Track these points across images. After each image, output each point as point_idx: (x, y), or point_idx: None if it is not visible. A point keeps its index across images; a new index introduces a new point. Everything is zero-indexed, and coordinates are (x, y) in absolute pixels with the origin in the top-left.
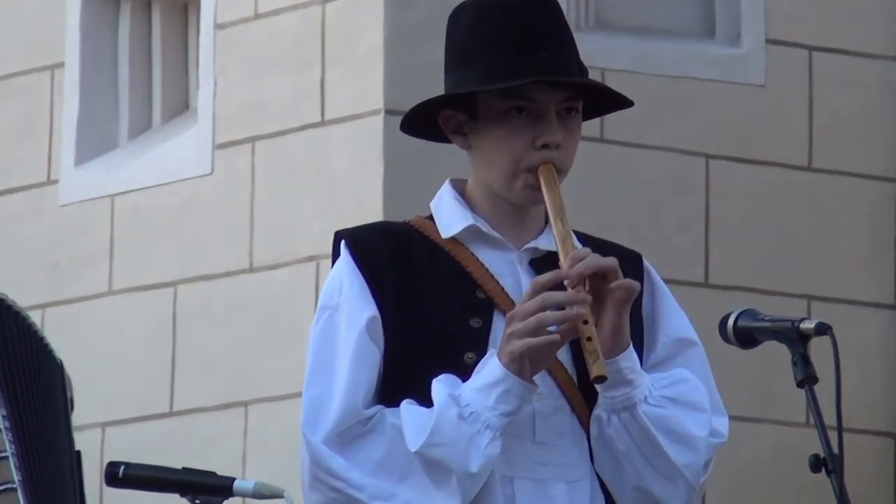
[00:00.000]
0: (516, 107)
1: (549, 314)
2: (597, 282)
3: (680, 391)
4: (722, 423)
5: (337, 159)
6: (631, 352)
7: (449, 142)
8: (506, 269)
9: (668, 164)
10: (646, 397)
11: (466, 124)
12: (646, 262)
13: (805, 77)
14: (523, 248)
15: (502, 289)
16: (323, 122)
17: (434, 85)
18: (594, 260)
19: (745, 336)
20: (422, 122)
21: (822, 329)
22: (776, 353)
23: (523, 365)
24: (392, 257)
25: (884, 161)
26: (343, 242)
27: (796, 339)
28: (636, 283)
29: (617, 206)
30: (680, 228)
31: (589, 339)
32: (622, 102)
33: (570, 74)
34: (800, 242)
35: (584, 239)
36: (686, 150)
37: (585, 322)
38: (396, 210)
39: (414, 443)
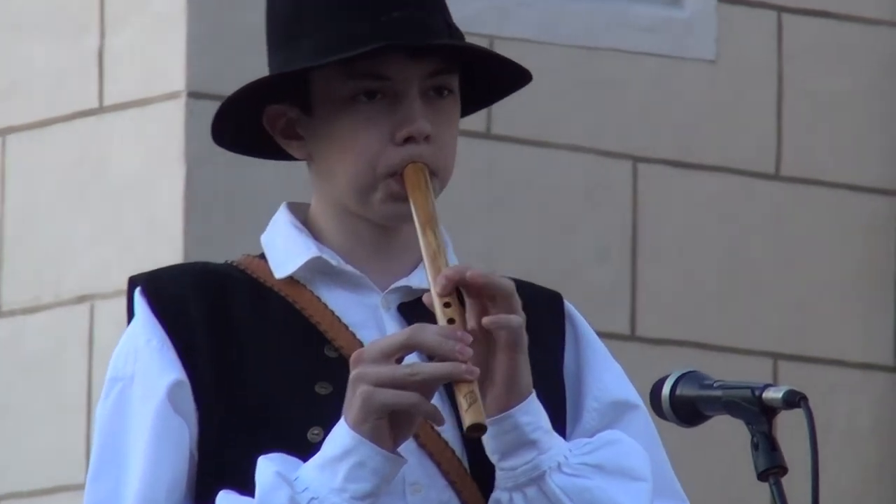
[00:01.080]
0: (364, 90)
1: (428, 367)
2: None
3: (608, 456)
4: None
5: (120, 160)
6: (533, 403)
7: (288, 156)
8: (365, 316)
9: (582, 169)
10: (560, 465)
11: (301, 123)
12: (568, 305)
13: (772, 50)
14: (391, 287)
15: (360, 343)
16: (101, 109)
17: (258, 58)
18: (476, 273)
19: (687, 409)
20: (242, 126)
21: (794, 399)
22: (730, 433)
23: (381, 426)
24: (205, 306)
25: (879, 166)
26: (138, 290)
27: (758, 414)
28: (515, 319)
29: (509, 227)
30: (597, 258)
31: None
32: (517, 78)
33: (434, 37)
34: (764, 279)
35: None
36: (606, 150)
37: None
38: (203, 230)
39: None
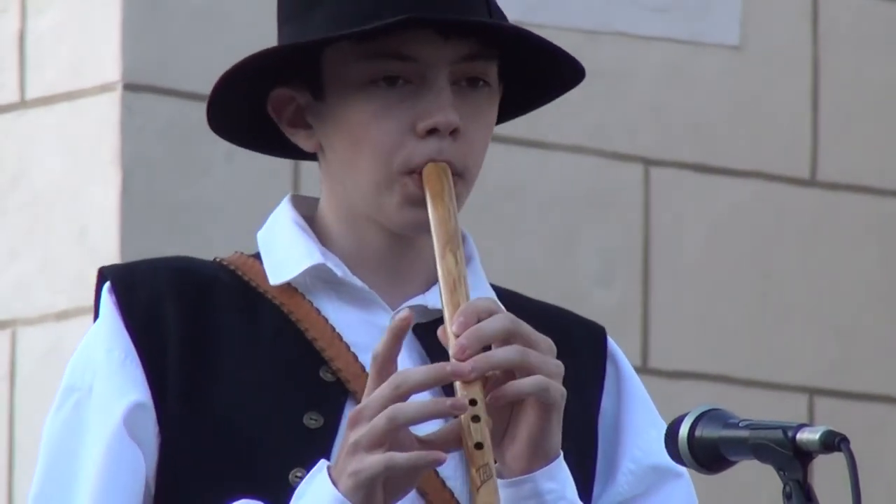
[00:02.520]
0: (384, 72)
1: (408, 407)
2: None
3: None
4: None
5: (44, 162)
6: (559, 467)
7: (300, 154)
8: (372, 338)
9: (584, 173)
10: None
11: (310, 109)
12: (611, 342)
13: (807, 33)
14: (403, 304)
15: (362, 368)
16: (22, 103)
17: (206, 44)
18: (502, 323)
19: (709, 452)
20: (243, 112)
21: (833, 441)
22: (759, 481)
23: (374, 494)
24: (183, 312)
25: None
26: (107, 287)
27: (791, 458)
28: (555, 388)
29: (499, 241)
30: (602, 277)
31: (478, 445)
32: (567, 75)
33: (470, 14)
34: (798, 301)
35: (506, 299)
36: (613, 151)
37: (475, 419)
38: (141, 244)
39: None
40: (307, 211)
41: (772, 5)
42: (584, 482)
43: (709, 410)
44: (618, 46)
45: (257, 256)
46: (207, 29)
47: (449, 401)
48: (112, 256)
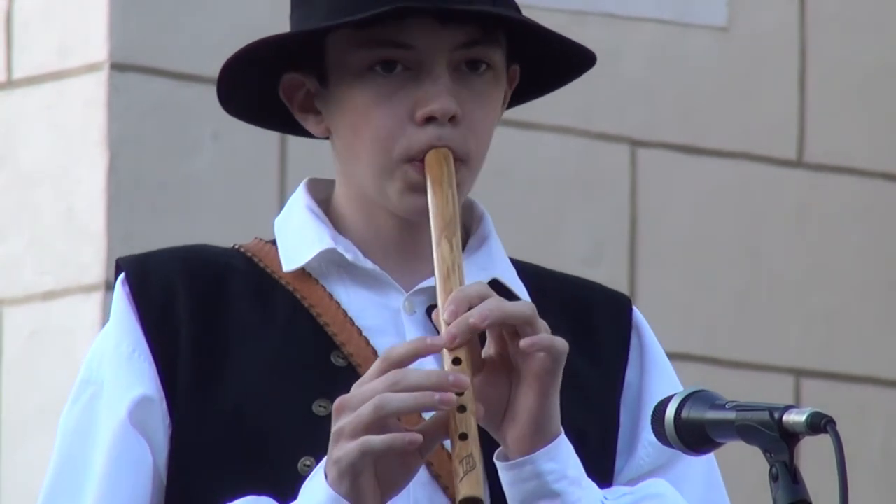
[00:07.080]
0: (381, 59)
1: (396, 398)
2: (508, 338)
3: None
4: None
5: (31, 142)
6: (560, 447)
7: (310, 134)
8: (384, 320)
9: (571, 155)
10: None
11: (318, 95)
12: (636, 312)
13: (794, 15)
14: (416, 288)
15: (374, 351)
16: (9, 83)
17: (194, 23)
18: (494, 306)
19: (695, 434)
20: (255, 92)
21: (819, 423)
22: (745, 463)
23: (359, 484)
24: (196, 301)
25: None
26: (121, 278)
27: (777, 440)
28: (561, 342)
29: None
30: (589, 258)
31: (462, 436)
32: (577, 60)
33: (467, 1)
34: (784, 283)
35: (528, 273)
36: (600, 132)
37: (461, 409)
38: (128, 224)
39: None
40: (324, 194)
41: None
42: (605, 458)
43: (695, 392)
44: (605, 27)
45: (275, 243)
46: (194, 9)
47: (437, 395)
48: (99, 236)
